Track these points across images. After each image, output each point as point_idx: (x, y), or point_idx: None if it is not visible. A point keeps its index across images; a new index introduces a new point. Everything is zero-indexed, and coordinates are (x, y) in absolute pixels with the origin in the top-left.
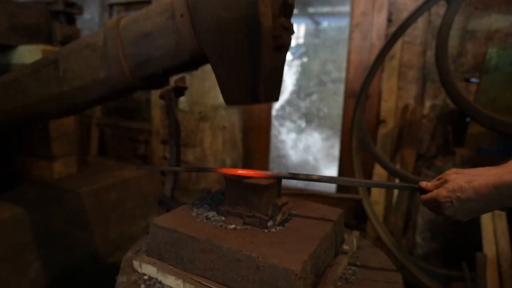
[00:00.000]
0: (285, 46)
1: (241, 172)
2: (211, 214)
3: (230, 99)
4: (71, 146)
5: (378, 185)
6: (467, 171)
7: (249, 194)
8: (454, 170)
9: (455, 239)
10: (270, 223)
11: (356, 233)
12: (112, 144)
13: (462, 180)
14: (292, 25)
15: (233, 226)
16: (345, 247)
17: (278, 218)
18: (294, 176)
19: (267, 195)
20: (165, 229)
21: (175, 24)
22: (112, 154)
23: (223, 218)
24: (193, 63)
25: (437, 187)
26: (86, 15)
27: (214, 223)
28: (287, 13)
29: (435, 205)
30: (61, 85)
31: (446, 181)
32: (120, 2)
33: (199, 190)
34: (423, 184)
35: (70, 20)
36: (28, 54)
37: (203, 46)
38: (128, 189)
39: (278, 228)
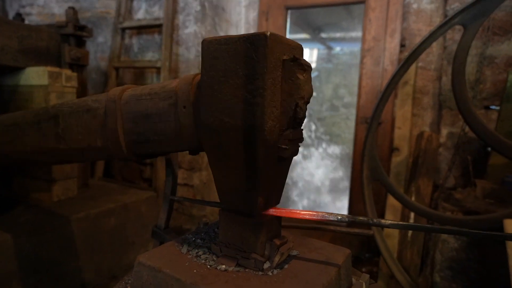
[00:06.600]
0: (290, 157)
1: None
2: (202, 251)
3: (225, 203)
4: (72, 169)
5: None
6: None
7: (245, 231)
8: None
9: (480, 279)
10: (266, 265)
11: (365, 276)
12: (118, 166)
13: None
14: (301, 134)
15: (224, 267)
16: None
17: (276, 259)
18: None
19: (265, 233)
20: (150, 268)
21: (177, 114)
22: (117, 177)
23: (215, 256)
24: (191, 152)
25: None
26: (100, 39)
27: (204, 261)
28: (296, 124)
29: None
30: (59, 142)
31: None
32: (132, 26)
33: (204, 216)
34: None
35: (80, 42)
36: (35, 75)
37: (203, 143)
38: (127, 215)
39: (275, 271)
